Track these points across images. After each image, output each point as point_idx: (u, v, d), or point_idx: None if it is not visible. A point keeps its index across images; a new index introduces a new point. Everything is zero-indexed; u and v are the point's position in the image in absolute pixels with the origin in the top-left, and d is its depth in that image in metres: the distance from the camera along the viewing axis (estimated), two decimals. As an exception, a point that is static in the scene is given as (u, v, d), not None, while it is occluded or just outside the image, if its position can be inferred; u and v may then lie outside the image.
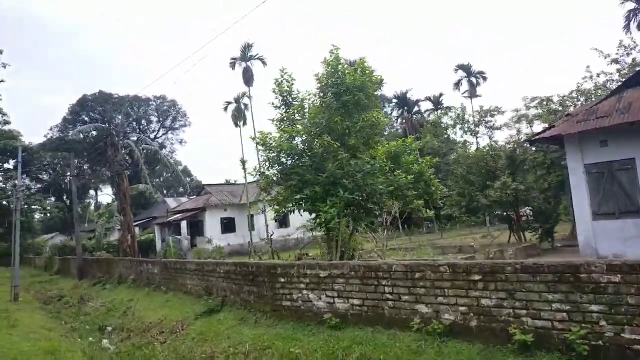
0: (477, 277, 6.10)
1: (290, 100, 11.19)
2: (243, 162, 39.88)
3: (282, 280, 8.90)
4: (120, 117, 60.84)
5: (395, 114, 51.98)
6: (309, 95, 11.20)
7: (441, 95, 54.18)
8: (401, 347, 6.50)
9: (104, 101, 55.00)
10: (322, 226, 9.54)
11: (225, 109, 37.97)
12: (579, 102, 22.03)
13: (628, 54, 22.21)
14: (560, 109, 21.96)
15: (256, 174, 11.82)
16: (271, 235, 16.85)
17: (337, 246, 9.85)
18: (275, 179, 10.56)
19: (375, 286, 7.27)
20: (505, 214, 23.24)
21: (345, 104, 9.82)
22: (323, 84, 10.18)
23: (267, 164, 10.72)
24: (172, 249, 21.59)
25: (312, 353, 7.16)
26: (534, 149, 21.68)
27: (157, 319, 12.03)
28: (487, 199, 21.95)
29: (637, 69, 22.83)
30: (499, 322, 5.87)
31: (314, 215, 10.33)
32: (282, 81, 11.25)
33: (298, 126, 9.87)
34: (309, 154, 9.86)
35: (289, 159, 10.30)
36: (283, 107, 11.28)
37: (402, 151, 10.72)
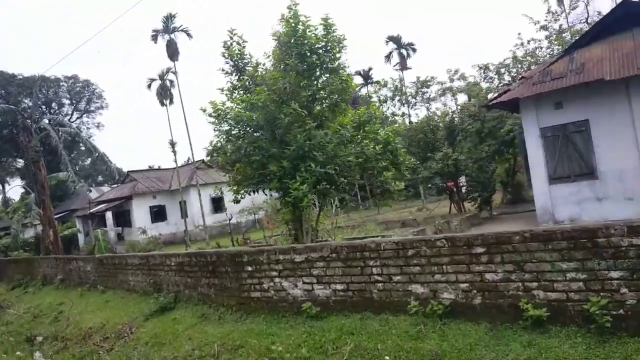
0: (480, 250, 5.56)
1: (242, 65, 9.91)
2: (172, 144, 37.71)
3: (249, 268, 7.92)
4: (27, 101, 55.01)
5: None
6: (266, 58, 9.98)
7: (370, 69, 54.20)
8: (398, 334, 5.85)
9: (6, 82, 48.86)
10: (289, 205, 8.57)
11: (149, 86, 35.03)
12: (514, 69, 22.59)
13: (555, 20, 23.06)
14: (495, 76, 22.40)
15: (210, 152, 10.48)
16: (230, 219, 15.50)
17: (308, 227, 8.98)
18: (234, 156, 9.27)
19: (362, 267, 6.54)
20: (443, 185, 23.62)
21: (311, 65, 8.75)
22: (284, 43, 8.98)
23: (223, 138, 9.40)
24: (102, 242, 19.49)
25: (295, 348, 6.32)
26: (470, 119, 22.00)
27: (98, 323, 10.53)
28: (427, 170, 22.11)
29: (564, 34, 23.91)
30: (506, 298, 5.39)
31: (276, 194, 9.30)
32: (231, 43, 9.88)
33: (256, 94, 8.68)
34: (273, 124, 8.73)
35: (249, 131, 9.06)
36: (235, 73, 9.96)
37: (366, 119, 9.91)
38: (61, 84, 53.21)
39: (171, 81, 34.59)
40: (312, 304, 7.01)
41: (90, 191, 41.14)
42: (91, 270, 13.66)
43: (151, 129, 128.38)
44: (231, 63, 9.86)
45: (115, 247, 35.14)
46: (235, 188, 9.80)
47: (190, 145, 35.40)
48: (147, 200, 38.53)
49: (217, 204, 40.95)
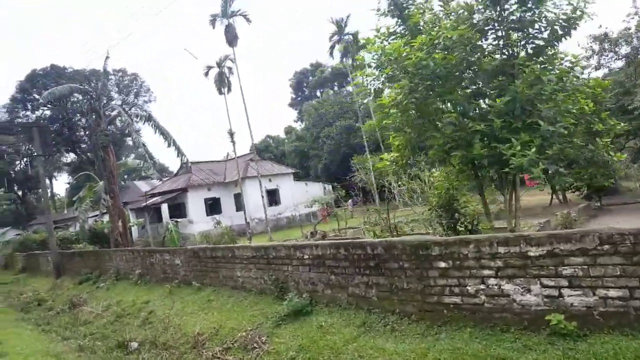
0: None
1: (404, 4, 7.82)
2: (231, 134, 36.29)
3: (443, 265, 5.89)
4: (77, 95, 55.10)
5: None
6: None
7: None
8: None
9: (57, 76, 48.63)
10: (508, 176, 6.36)
11: (206, 74, 33.62)
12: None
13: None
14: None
15: (367, 95, 8.36)
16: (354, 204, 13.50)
17: (510, 207, 6.84)
18: (411, 109, 7.07)
19: (662, 266, 4.41)
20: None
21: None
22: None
23: (399, 92, 7.26)
24: (175, 233, 17.96)
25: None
26: None
27: (209, 328, 8.77)
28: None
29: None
30: None
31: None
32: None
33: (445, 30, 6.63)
34: (464, 71, 6.64)
35: (432, 83, 6.94)
36: (395, 13, 7.90)
37: (567, 69, 7.42)
38: (110, 77, 52.86)
39: (229, 68, 33.08)
40: (561, 316, 4.92)
41: (149, 183, 40.20)
42: (181, 264, 11.99)
43: (206, 119, 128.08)
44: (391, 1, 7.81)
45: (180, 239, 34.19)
46: (401, 156, 7.70)
47: (251, 134, 33.73)
48: (202, 192, 37.39)
49: (272, 197, 39.47)
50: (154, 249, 14.17)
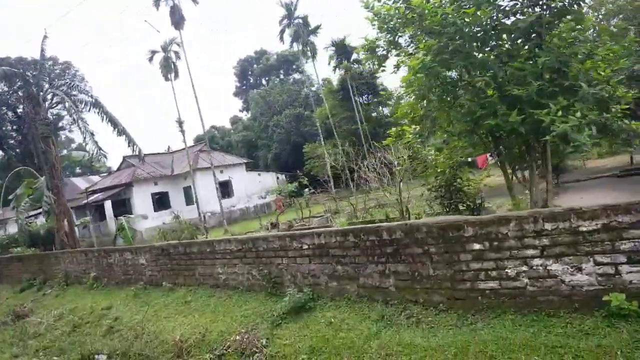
0: None
1: None
2: (180, 122, 34.29)
3: (477, 246, 5.29)
4: (1, 84, 50.30)
5: (332, 63, 48.25)
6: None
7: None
8: None
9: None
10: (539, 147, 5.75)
11: (150, 59, 31.35)
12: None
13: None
14: None
15: (374, 60, 7.42)
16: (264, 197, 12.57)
17: (548, 177, 6.32)
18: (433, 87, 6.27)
19: None
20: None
21: None
22: None
23: (425, 54, 6.42)
24: (129, 230, 16.31)
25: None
26: None
27: (191, 333, 7.71)
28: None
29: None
30: None
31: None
32: None
33: None
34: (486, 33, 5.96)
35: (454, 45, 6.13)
36: None
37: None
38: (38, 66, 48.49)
39: (176, 52, 31.00)
40: (619, 294, 4.47)
41: (89, 180, 37.15)
42: (147, 264, 10.72)
43: (143, 109, 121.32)
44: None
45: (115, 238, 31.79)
46: (423, 127, 6.93)
47: (202, 122, 31.91)
48: (149, 186, 35.19)
49: (225, 189, 37.93)
50: (113, 248, 12.70)
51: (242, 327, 7.19)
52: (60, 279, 14.32)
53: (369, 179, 16.15)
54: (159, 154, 40.19)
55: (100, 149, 15.06)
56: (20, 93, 49.36)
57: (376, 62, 7.55)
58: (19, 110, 51.68)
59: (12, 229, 42.24)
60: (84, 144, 15.32)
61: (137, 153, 16.53)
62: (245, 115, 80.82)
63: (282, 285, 7.56)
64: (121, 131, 15.84)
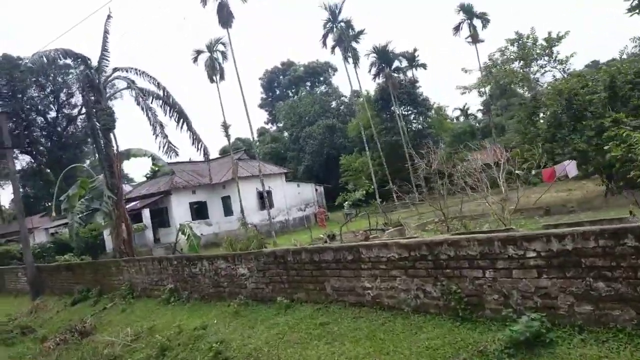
0: None
1: None
2: (225, 127, 32.75)
3: None
4: (33, 91, 50.06)
5: (373, 70, 46.80)
6: None
7: (415, 50, 50.24)
8: None
9: (11, 67, 43.37)
10: None
11: (195, 59, 29.96)
12: None
13: None
14: None
15: None
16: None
17: None
18: None
19: None
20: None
21: None
22: None
23: None
24: (194, 239, 14.41)
25: None
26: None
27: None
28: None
29: None
30: None
31: None
32: None
33: None
34: None
35: None
36: None
37: None
38: (70, 70, 47.84)
39: (222, 52, 29.54)
40: None
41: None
42: (249, 274, 8.83)
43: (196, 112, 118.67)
44: None
45: (152, 249, 30.04)
46: None
47: (250, 127, 30.22)
48: (186, 195, 33.64)
49: (266, 200, 36.18)
50: (198, 255, 10.86)
51: (441, 364, 5.23)
52: (124, 291, 12.53)
53: (467, 184, 14.25)
54: (196, 162, 38.73)
55: (170, 142, 13.44)
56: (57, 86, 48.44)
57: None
58: (49, 116, 51.03)
59: (39, 238, 40.99)
60: (153, 136, 13.60)
61: (205, 152, 14.85)
62: (271, 127, 79.42)
63: (481, 306, 5.60)
64: (189, 127, 14.21)
